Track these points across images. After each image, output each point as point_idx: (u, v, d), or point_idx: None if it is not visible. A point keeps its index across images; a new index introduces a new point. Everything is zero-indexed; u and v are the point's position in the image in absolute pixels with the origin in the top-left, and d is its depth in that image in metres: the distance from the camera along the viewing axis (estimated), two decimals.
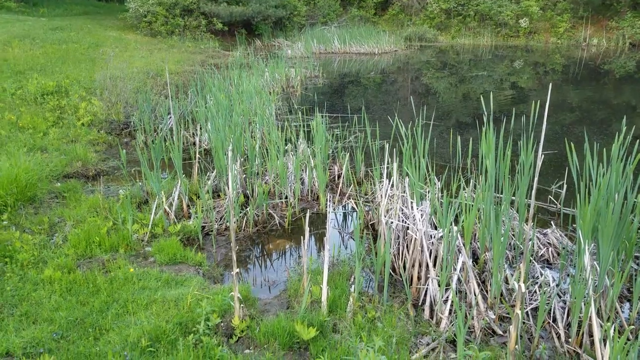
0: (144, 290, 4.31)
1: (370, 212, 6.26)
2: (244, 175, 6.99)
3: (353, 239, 5.91)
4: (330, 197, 6.82)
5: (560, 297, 4.45)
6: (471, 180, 6.03)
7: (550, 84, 3.45)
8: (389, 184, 5.88)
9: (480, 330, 4.05)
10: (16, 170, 6.05)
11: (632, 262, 4.82)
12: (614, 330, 3.82)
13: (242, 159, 7.16)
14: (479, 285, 4.62)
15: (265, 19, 25.79)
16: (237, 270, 3.82)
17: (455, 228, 4.41)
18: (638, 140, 4.72)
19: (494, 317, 4.22)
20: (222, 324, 3.87)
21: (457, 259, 4.67)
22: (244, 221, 6.08)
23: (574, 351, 3.91)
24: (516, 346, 3.72)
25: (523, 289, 3.48)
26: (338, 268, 4.97)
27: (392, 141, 6.89)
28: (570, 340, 4.00)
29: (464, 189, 5.38)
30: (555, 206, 6.51)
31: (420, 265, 4.71)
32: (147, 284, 4.42)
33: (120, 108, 9.86)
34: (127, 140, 9.18)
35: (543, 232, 5.60)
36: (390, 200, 5.70)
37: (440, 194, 5.74)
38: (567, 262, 5.07)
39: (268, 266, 5.38)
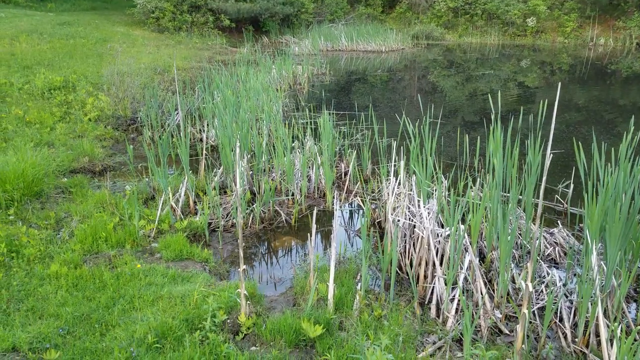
0: (151, 286, 4.31)
1: (376, 210, 6.24)
2: (251, 172, 6.99)
3: (359, 237, 5.90)
4: (337, 194, 6.81)
5: (567, 296, 4.43)
6: (478, 179, 6.01)
7: (559, 84, 3.42)
8: (395, 182, 5.86)
9: (487, 330, 4.03)
10: (23, 165, 6.07)
11: None
12: (621, 330, 3.80)
13: (248, 156, 7.16)
14: (485, 284, 4.60)
15: (273, 16, 25.77)
16: (244, 267, 3.81)
17: (462, 227, 4.39)
18: None
19: (500, 316, 4.21)
20: (228, 321, 3.87)
21: (464, 257, 4.66)
22: (251, 218, 6.08)
23: (581, 351, 3.90)
24: (523, 346, 3.71)
25: (530, 288, 3.46)
26: (344, 266, 4.97)
27: (399, 139, 6.87)
28: (576, 340, 3.98)
29: (470, 187, 5.35)
30: (562, 205, 6.48)
31: (426, 264, 4.70)
32: (153, 280, 4.42)
33: (127, 104, 9.87)
34: (134, 136, 9.19)
35: (550, 231, 5.58)
36: (397, 198, 5.68)
37: (447, 193, 5.72)
38: (574, 261, 5.04)
39: (274, 263, 5.38)
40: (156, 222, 5.56)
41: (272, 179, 6.90)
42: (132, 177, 7.08)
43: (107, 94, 10.05)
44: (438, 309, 4.32)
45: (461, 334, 3.96)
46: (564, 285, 4.58)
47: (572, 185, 6.39)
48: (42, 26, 17.95)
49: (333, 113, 10.04)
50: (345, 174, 7.50)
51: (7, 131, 7.94)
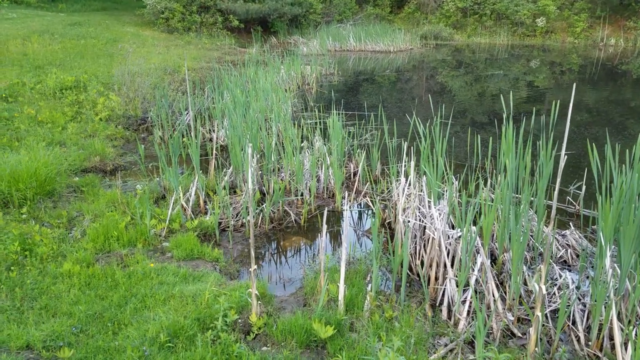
0: (162, 286, 4.32)
1: (386, 211, 6.23)
2: (260, 172, 7.00)
3: (368, 238, 5.90)
4: (346, 194, 6.81)
5: (579, 299, 4.40)
6: (489, 180, 5.99)
7: (574, 84, 3.40)
8: (406, 182, 5.85)
9: (499, 332, 4.01)
10: (36, 165, 6.11)
11: None
12: (636, 334, 3.77)
13: (258, 156, 7.17)
14: (497, 286, 4.58)
15: (281, 17, 25.80)
16: (255, 267, 3.82)
17: (474, 228, 4.38)
18: None
19: (512, 318, 4.19)
20: (239, 321, 3.88)
21: (475, 259, 4.64)
22: (260, 218, 6.08)
23: (594, 354, 3.87)
24: (536, 349, 3.69)
25: (544, 291, 3.45)
26: (354, 266, 4.96)
27: (409, 139, 6.86)
28: (590, 343, 3.95)
29: (482, 188, 5.33)
30: (573, 207, 6.45)
31: (437, 265, 4.68)
32: (165, 279, 4.44)
33: (138, 103, 9.92)
34: (144, 136, 9.23)
35: (562, 233, 5.55)
36: (408, 199, 5.67)
37: (457, 193, 5.70)
38: (587, 264, 5.01)
39: (284, 263, 5.38)
40: (167, 221, 5.58)
41: (281, 179, 6.91)
42: (142, 176, 7.11)
43: (118, 94, 10.10)
44: (449, 310, 4.30)
45: (473, 336, 3.95)
46: (577, 288, 4.55)
47: (584, 187, 6.35)
48: (53, 26, 18.07)
49: (342, 113, 10.03)
50: (354, 174, 7.50)
51: (20, 130, 7.99)
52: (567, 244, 5.40)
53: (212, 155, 7.16)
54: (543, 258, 5.13)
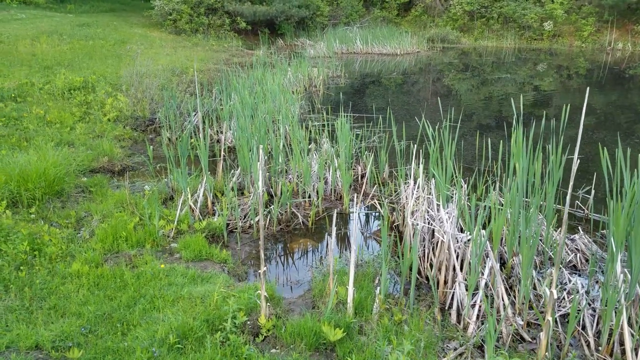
0: (171, 286, 4.32)
1: (394, 213, 6.22)
2: (268, 174, 7.00)
3: (376, 240, 5.89)
4: (354, 197, 6.80)
5: (589, 304, 4.37)
6: (497, 183, 5.97)
7: (587, 88, 3.39)
8: (414, 185, 5.84)
9: (509, 337, 3.99)
10: (44, 165, 6.13)
11: None
12: None
13: (266, 158, 7.17)
14: (506, 290, 4.55)
15: (289, 19, 25.84)
16: (265, 268, 3.81)
17: (484, 232, 4.36)
18: None
19: (522, 323, 4.16)
20: (248, 322, 3.87)
21: (485, 263, 4.62)
22: (268, 219, 6.08)
23: None
24: (546, 353, 3.67)
25: (555, 296, 3.43)
26: (362, 269, 4.95)
27: (418, 142, 6.84)
28: (600, 348, 3.93)
29: (491, 191, 5.31)
30: (582, 211, 6.42)
31: (447, 269, 4.67)
32: (173, 280, 4.44)
33: (146, 104, 9.94)
34: (152, 137, 9.25)
35: (570, 237, 5.52)
36: (416, 201, 5.66)
37: (466, 197, 5.68)
38: (596, 268, 4.98)
39: (291, 265, 5.37)
40: (175, 222, 5.58)
41: (288, 181, 6.90)
42: (151, 177, 7.13)
43: (126, 95, 10.13)
44: (458, 314, 4.28)
45: (482, 340, 3.93)
46: (587, 292, 4.53)
47: (593, 192, 6.31)
48: (62, 27, 18.15)
49: (350, 115, 10.03)
50: (362, 176, 7.49)
51: (29, 130, 8.02)
52: (577, 248, 5.37)
53: (220, 157, 7.16)
54: (552, 262, 5.11)
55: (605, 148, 4.56)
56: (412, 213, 5.49)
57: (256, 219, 5.97)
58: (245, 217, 6.10)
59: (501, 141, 6.46)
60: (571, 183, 3.24)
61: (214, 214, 6.14)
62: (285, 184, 6.38)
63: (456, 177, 5.57)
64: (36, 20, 19.49)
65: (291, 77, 14.05)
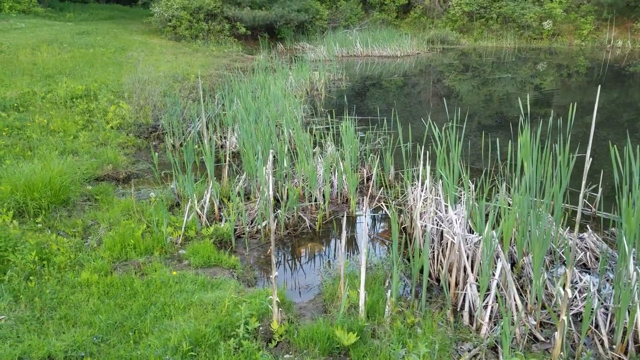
0: (181, 293, 4.30)
1: (401, 215, 6.20)
2: (273, 178, 6.99)
3: (384, 243, 5.86)
4: (360, 200, 6.78)
5: (601, 303, 4.35)
6: (504, 183, 5.95)
7: (599, 86, 3.37)
8: (422, 187, 5.82)
9: (522, 337, 3.97)
10: (50, 174, 6.11)
11: None
12: None
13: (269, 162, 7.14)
14: (518, 290, 4.53)
15: (288, 23, 25.87)
16: (276, 273, 3.79)
17: (494, 232, 4.34)
18: None
19: (534, 323, 4.14)
20: (261, 328, 3.85)
21: (495, 264, 4.60)
22: (275, 224, 6.06)
23: (619, 358, 3.82)
24: (561, 353, 3.65)
25: (569, 295, 3.41)
26: (371, 272, 4.93)
27: (424, 143, 6.82)
28: (614, 347, 3.90)
29: (501, 192, 5.29)
30: (589, 209, 6.39)
31: (457, 270, 4.64)
32: (183, 287, 4.42)
33: (149, 111, 9.94)
34: (156, 144, 9.24)
35: (580, 236, 5.50)
36: (424, 203, 5.64)
37: (474, 197, 5.66)
38: (606, 266, 4.96)
39: (300, 270, 5.36)
40: (183, 228, 5.56)
41: (294, 185, 6.88)
42: (156, 184, 7.11)
43: (129, 102, 10.12)
44: (471, 316, 4.26)
45: (496, 341, 3.91)
46: (599, 291, 4.50)
47: (600, 189, 6.29)
48: (62, 36, 18.18)
49: (354, 118, 10.01)
50: (368, 179, 7.47)
51: (32, 140, 8.02)
52: (586, 247, 5.35)
53: (225, 162, 7.15)
54: (562, 261, 5.09)
55: (615, 145, 4.54)
56: (421, 215, 5.47)
57: (263, 224, 5.95)
58: (252, 222, 6.08)
59: (509, 141, 6.43)
60: (584, 182, 3.22)
61: (220, 220, 6.13)
62: (291, 188, 6.36)
63: (464, 177, 5.55)
64: (36, 29, 19.52)
65: (293, 81, 14.05)
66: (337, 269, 5.17)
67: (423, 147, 6.17)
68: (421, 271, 4.61)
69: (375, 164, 7.15)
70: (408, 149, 7.00)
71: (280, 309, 3.97)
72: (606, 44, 26.70)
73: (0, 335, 3.69)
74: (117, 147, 8.42)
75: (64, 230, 5.51)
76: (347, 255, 5.64)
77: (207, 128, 9.06)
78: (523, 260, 4.87)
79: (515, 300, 4.22)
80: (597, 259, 5.20)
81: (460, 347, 3.85)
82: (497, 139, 7.14)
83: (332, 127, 8.77)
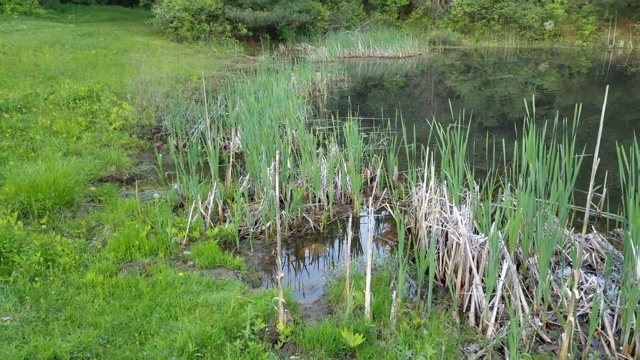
0: (186, 294, 4.30)
1: (405, 216, 6.19)
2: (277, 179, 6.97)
3: (388, 244, 5.85)
4: (364, 200, 6.77)
5: (608, 304, 4.34)
6: (508, 184, 5.94)
7: (607, 86, 3.36)
8: (426, 187, 5.81)
9: (528, 338, 3.96)
10: (54, 175, 6.11)
11: None
12: None
13: (274, 162, 7.15)
14: (524, 291, 4.52)
15: (290, 24, 25.87)
16: (282, 274, 3.78)
17: (500, 233, 4.33)
18: None
19: (541, 324, 4.13)
20: (266, 329, 3.84)
21: (501, 264, 4.58)
22: (279, 225, 6.05)
23: (626, 359, 3.81)
24: (568, 354, 3.63)
25: (577, 296, 3.40)
26: (376, 273, 4.92)
27: (428, 144, 6.81)
28: (621, 348, 3.89)
29: (506, 192, 5.29)
30: (594, 210, 6.38)
31: (463, 271, 4.63)
32: (188, 288, 4.41)
33: (152, 112, 9.93)
34: (159, 145, 9.24)
35: (585, 237, 5.48)
36: (429, 204, 5.63)
37: (479, 198, 5.65)
38: (612, 267, 4.94)
39: (304, 270, 5.35)
40: (187, 229, 5.56)
41: (298, 186, 6.88)
42: (160, 185, 7.11)
43: (131, 103, 10.12)
44: (477, 317, 4.25)
45: (502, 342, 3.90)
46: (605, 292, 4.49)
47: (605, 190, 6.28)
48: (64, 37, 18.19)
49: (358, 119, 10.01)
50: (371, 180, 7.46)
51: (35, 141, 8.02)
52: (591, 248, 5.34)
53: (228, 163, 7.14)
54: (568, 262, 5.08)
55: (622, 146, 4.53)
56: (426, 215, 5.46)
57: (267, 225, 5.94)
58: (256, 223, 6.07)
59: (512, 141, 6.43)
60: (591, 183, 3.21)
61: (225, 221, 6.12)
62: (295, 189, 6.35)
63: (468, 178, 5.54)
64: (38, 30, 19.54)
65: (295, 82, 14.04)
66: (341, 269, 5.16)
67: (428, 147, 6.16)
68: (426, 272, 4.60)
69: (379, 165, 7.15)
70: (412, 150, 6.99)
71: (286, 310, 3.96)
72: (608, 44, 26.68)
73: (6, 336, 3.69)
74: (120, 148, 8.41)
75: (68, 231, 5.51)
76: (351, 256, 5.63)
77: (211, 129, 9.05)
78: (528, 261, 4.86)
79: (521, 302, 4.20)
80: (602, 259, 5.19)
81: (467, 349, 3.84)
82: (501, 140, 7.13)
83: (335, 128, 8.76)
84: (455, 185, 5.34)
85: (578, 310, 4.31)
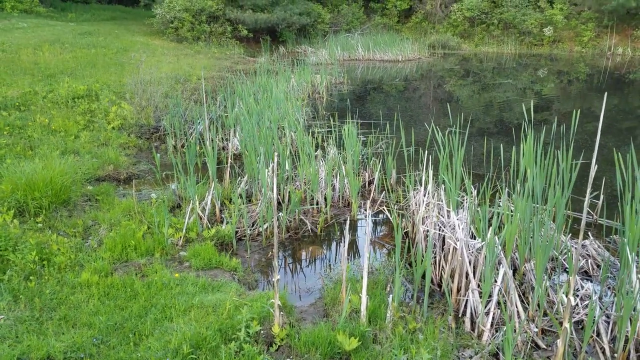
0: (182, 296, 4.29)
1: (403, 220, 6.19)
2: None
3: (385, 247, 5.85)
4: (362, 203, 6.77)
5: (604, 311, 4.34)
6: (505, 189, 5.94)
7: (605, 93, 3.37)
8: (424, 191, 5.81)
9: (523, 344, 3.95)
10: (51, 173, 6.09)
11: None
12: None
13: (273, 164, 7.14)
14: (520, 297, 4.52)
15: (290, 26, 25.90)
16: (278, 276, 3.78)
17: (497, 239, 4.33)
18: None
19: (536, 330, 4.12)
20: (262, 332, 3.83)
21: (497, 270, 4.58)
22: (276, 227, 6.04)
23: None
24: None
25: (573, 302, 3.39)
26: (373, 277, 4.91)
27: (427, 148, 6.82)
28: (616, 355, 3.89)
29: (503, 198, 5.29)
30: (590, 217, 6.38)
31: (459, 276, 4.63)
32: (184, 289, 4.40)
33: (150, 112, 9.92)
34: (157, 145, 9.23)
35: (581, 243, 5.48)
36: (426, 208, 5.63)
37: (477, 203, 5.65)
38: (608, 274, 4.94)
39: (301, 273, 5.34)
40: (184, 230, 5.55)
41: (296, 188, 6.87)
42: (157, 185, 7.10)
43: (130, 103, 10.11)
44: (472, 322, 4.24)
45: (497, 348, 3.89)
46: (600, 299, 4.49)
47: (602, 196, 6.28)
48: (64, 36, 18.17)
49: (357, 122, 10.01)
50: (369, 183, 7.46)
51: (33, 139, 8.00)
52: (587, 254, 5.34)
53: (227, 164, 7.14)
54: (564, 268, 5.08)
55: (619, 153, 4.53)
56: (423, 219, 5.46)
57: (264, 226, 5.94)
58: (253, 224, 6.06)
59: (510, 146, 6.43)
60: (589, 189, 3.21)
61: (222, 222, 6.11)
62: (293, 191, 6.35)
63: (466, 183, 5.54)
64: (38, 29, 19.52)
65: (295, 84, 14.04)
66: (337, 272, 5.15)
67: (426, 151, 6.16)
68: (423, 276, 4.59)
69: (377, 168, 7.14)
70: (410, 153, 6.99)
71: (281, 313, 3.95)
72: (606, 51, 26.74)
73: None
74: (118, 147, 8.40)
75: (64, 230, 5.49)
76: (348, 259, 5.63)
77: (209, 130, 9.05)
78: (525, 267, 4.85)
79: (517, 307, 4.20)
80: (598, 266, 5.19)
81: (462, 354, 3.84)
82: (499, 144, 7.14)
83: (334, 131, 8.76)
84: (452, 190, 5.34)
85: (574, 317, 4.31)
